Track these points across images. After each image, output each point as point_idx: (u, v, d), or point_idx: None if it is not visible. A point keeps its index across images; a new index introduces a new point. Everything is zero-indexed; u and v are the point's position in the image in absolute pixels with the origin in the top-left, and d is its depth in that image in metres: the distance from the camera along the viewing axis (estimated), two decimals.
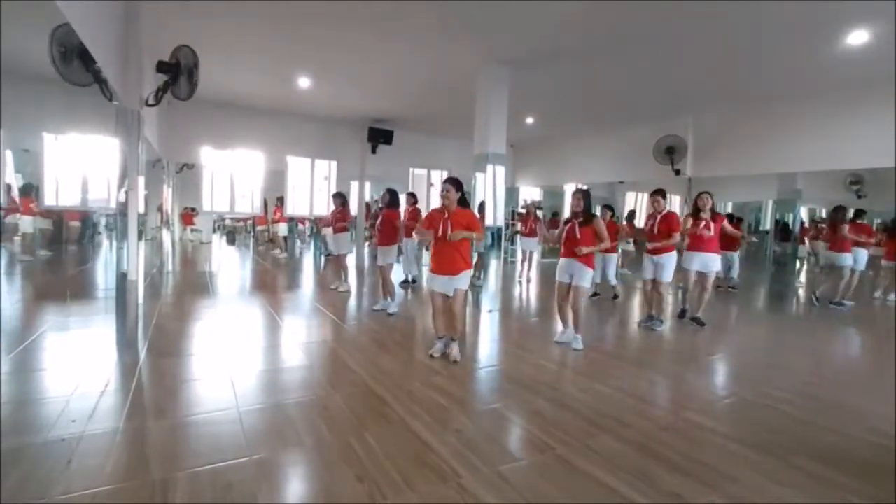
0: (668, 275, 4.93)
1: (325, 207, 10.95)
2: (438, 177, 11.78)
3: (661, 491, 2.02)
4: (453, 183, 3.67)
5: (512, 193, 12.42)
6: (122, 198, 3.87)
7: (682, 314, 5.45)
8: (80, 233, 10.64)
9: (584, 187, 4.28)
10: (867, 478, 2.19)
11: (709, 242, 5.09)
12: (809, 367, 4.02)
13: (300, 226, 14.09)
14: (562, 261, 4.25)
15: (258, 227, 13.37)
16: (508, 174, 11.71)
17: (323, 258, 11.12)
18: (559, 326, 4.52)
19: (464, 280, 3.67)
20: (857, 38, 4.91)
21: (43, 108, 7.11)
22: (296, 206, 10.81)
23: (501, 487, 2.00)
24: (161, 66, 4.35)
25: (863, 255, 6.77)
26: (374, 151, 10.67)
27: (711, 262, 5.14)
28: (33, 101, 7.06)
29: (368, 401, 2.88)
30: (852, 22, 4.65)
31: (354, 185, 11.19)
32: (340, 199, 6.75)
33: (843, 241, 6.62)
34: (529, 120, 9.56)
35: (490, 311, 5.72)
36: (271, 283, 7.61)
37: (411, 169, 11.37)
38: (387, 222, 5.58)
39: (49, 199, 8.19)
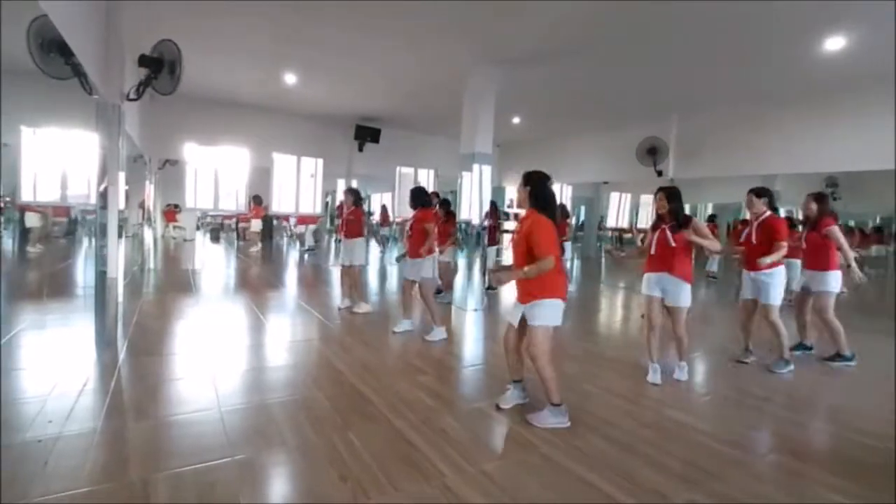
0: (774, 296, 3.79)
1: (311, 205, 10.88)
2: (425, 176, 11.77)
3: (644, 489, 2.05)
4: (524, 178, 2.73)
5: (498, 193, 12.48)
6: (103, 192, 3.79)
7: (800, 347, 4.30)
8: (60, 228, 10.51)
9: (669, 184, 3.51)
10: (852, 475, 2.26)
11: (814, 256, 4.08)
12: None
13: (284, 223, 13.96)
14: (651, 275, 3.50)
15: (241, 225, 13.23)
16: (494, 174, 11.75)
17: (302, 254, 11.03)
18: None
19: (537, 313, 2.60)
20: (834, 43, 5.04)
21: (20, 100, 6.93)
22: (281, 203, 10.70)
23: (486, 486, 2.02)
24: (143, 61, 4.26)
25: None
26: (360, 149, 10.63)
27: (820, 280, 4.05)
28: (10, 94, 6.87)
29: (353, 400, 2.87)
30: (830, 28, 4.77)
31: (341, 183, 11.13)
32: (354, 196, 5.49)
33: None
34: (516, 120, 9.62)
35: (475, 310, 5.74)
36: (255, 280, 7.52)
37: (398, 168, 11.35)
38: (417, 227, 4.50)
39: (27, 195, 8.00)
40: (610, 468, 2.20)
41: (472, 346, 4.41)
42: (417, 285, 4.49)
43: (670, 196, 3.40)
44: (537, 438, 2.47)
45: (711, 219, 10.16)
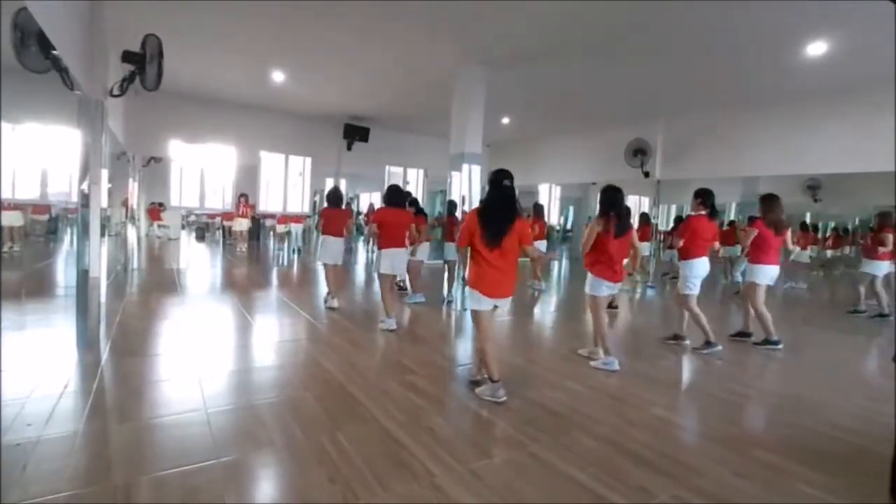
0: (680, 285, 4.37)
1: (299, 204, 10.81)
2: (414, 175, 11.76)
3: (630, 486, 2.07)
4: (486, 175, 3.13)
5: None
6: (85, 189, 3.71)
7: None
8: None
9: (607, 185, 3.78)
10: (826, 469, 2.31)
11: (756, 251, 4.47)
12: None
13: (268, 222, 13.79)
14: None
15: (226, 224, 13.03)
16: (484, 174, 11.79)
17: (279, 253, 10.92)
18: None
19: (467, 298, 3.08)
20: (816, 48, 5.15)
21: None
22: (269, 202, 10.61)
23: (474, 485, 2.02)
24: (127, 56, 4.18)
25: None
26: (349, 148, 10.58)
27: (748, 271, 4.59)
28: None
29: (342, 400, 2.85)
30: (812, 33, 4.87)
31: (329, 183, 11.05)
32: (328, 195, 5.64)
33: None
34: (505, 120, 9.65)
35: (464, 310, 5.75)
36: (241, 280, 7.44)
37: (387, 167, 11.32)
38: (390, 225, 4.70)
39: (5, 192, 7.81)
40: (597, 466, 2.22)
41: (460, 345, 4.42)
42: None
43: (602, 195, 3.68)
44: (526, 437, 2.48)
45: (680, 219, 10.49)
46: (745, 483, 2.15)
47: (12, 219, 8.46)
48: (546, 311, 6.19)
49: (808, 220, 12.30)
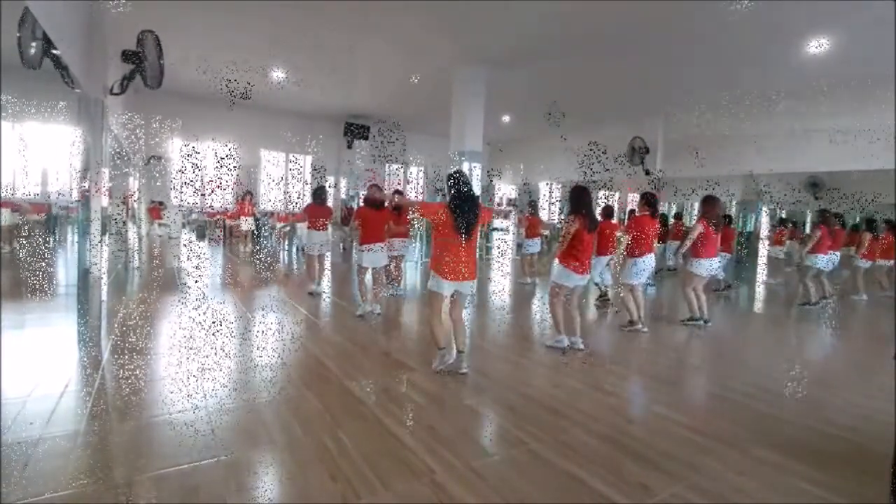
0: (626, 276, 4.92)
1: (299, 203, 10.80)
2: (415, 173, 11.75)
3: (628, 482, 2.07)
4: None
5: (488, 191, 12.51)
6: (85, 188, 3.71)
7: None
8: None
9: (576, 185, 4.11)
10: (823, 467, 2.31)
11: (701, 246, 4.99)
12: None
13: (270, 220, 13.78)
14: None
15: (229, 223, 13.01)
16: (485, 171, 11.77)
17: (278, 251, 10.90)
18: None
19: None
20: (817, 47, 5.13)
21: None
22: (269, 200, 10.60)
23: (474, 482, 2.02)
24: (127, 56, 4.18)
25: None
26: (349, 147, 10.57)
27: (689, 263, 5.12)
28: None
29: (342, 398, 2.85)
30: (813, 31, 4.86)
31: (330, 181, 11.05)
32: (314, 194, 6.08)
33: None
34: (506, 118, 9.64)
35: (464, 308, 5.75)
36: (242, 278, 7.44)
37: (387, 165, 11.30)
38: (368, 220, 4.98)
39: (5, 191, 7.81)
40: (597, 463, 2.22)
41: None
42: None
43: (570, 195, 4.02)
44: (525, 434, 2.48)
45: (678, 216, 10.83)
46: (744, 479, 2.15)
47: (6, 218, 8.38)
48: (545, 310, 6.18)
49: (808, 218, 12.25)
